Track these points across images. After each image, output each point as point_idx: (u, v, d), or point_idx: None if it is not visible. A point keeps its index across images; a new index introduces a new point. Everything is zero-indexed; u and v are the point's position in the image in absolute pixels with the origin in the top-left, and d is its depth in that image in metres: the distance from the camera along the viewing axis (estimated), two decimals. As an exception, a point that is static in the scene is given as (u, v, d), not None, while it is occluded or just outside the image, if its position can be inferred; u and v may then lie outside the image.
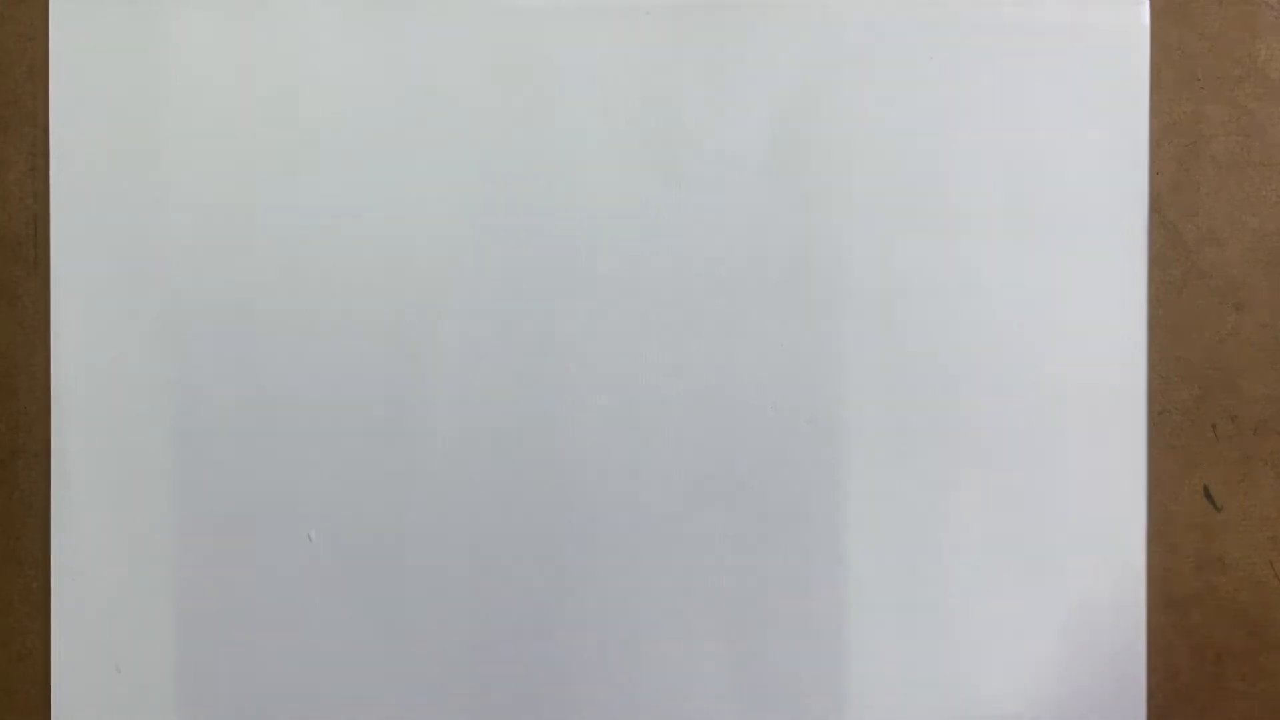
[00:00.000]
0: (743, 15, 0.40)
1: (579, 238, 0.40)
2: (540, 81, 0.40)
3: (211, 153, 0.40)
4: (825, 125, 0.40)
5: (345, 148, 0.40)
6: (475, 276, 0.40)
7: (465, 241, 0.40)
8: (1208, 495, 0.41)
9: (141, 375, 0.40)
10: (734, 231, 0.40)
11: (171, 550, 0.40)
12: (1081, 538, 0.40)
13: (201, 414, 0.40)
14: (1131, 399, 0.40)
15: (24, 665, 0.40)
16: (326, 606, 0.40)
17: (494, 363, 0.40)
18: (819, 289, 0.40)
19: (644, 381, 0.40)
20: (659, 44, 0.40)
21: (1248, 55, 0.41)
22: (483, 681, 0.40)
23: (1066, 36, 0.40)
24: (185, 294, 0.40)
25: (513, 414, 0.40)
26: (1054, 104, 0.40)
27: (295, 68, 0.40)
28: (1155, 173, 0.40)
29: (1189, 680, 0.41)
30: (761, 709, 0.40)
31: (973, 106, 0.40)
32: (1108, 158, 0.40)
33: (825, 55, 0.40)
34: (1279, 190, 0.41)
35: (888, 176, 0.40)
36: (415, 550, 0.40)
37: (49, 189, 0.40)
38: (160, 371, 0.40)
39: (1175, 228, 0.41)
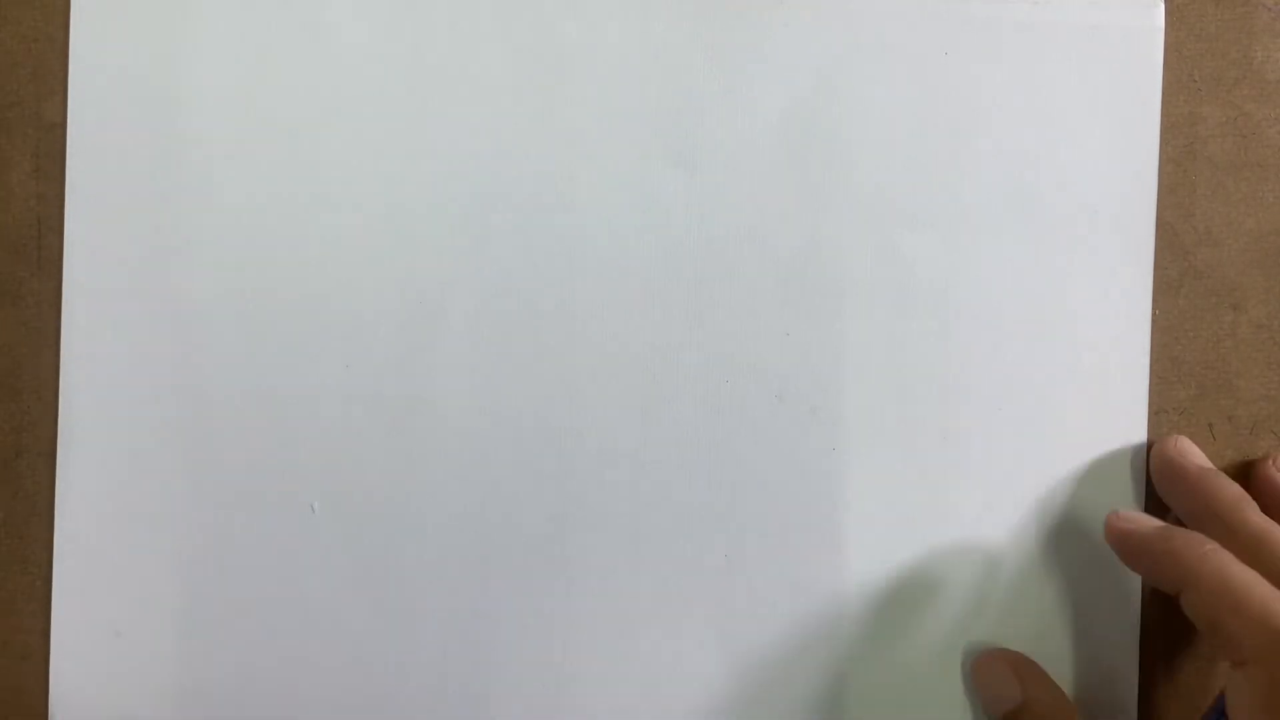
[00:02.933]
0: (758, 4, 0.40)
1: (589, 222, 0.40)
2: (555, 67, 0.40)
3: (220, 150, 0.40)
4: (837, 117, 0.40)
5: (356, 142, 0.40)
6: (484, 258, 0.40)
7: (476, 224, 0.40)
8: (1205, 494, 0.41)
9: (147, 376, 0.40)
10: (743, 220, 0.40)
11: (176, 553, 0.40)
12: (1079, 535, 0.40)
13: (207, 415, 0.40)
14: (1131, 399, 0.40)
15: (26, 665, 0.40)
16: (329, 578, 0.40)
17: (500, 342, 0.40)
18: (826, 280, 0.40)
19: (649, 367, 0.40)
20: (673, 31, 0.40)
21: (1244, 57, 0.41)
22: (481, 658, 0.40)
23: (1080, 36, 0.40)
24: (193, 292, 0.40)
25: (517, 393, 0.40)
26: (1065, 103, 0.40)
27: (312, 69, 0.40)
28: (1152, 174, 0.41)
29: (1183, 677, 0.41)
30: (759, 702, 0.40)
31: (984, 103, 0.40)
32: (1117, 158, 0.40)
33: (839, 48, 0.40)
34: (1275, 191, 0.41)
35: (898, 170, 0.40)
36: (417, 523, 0.40)
37: (54, 191, 0.40)
38: (166, 372, 0.40)
39: (1172, 228, 0.41)
